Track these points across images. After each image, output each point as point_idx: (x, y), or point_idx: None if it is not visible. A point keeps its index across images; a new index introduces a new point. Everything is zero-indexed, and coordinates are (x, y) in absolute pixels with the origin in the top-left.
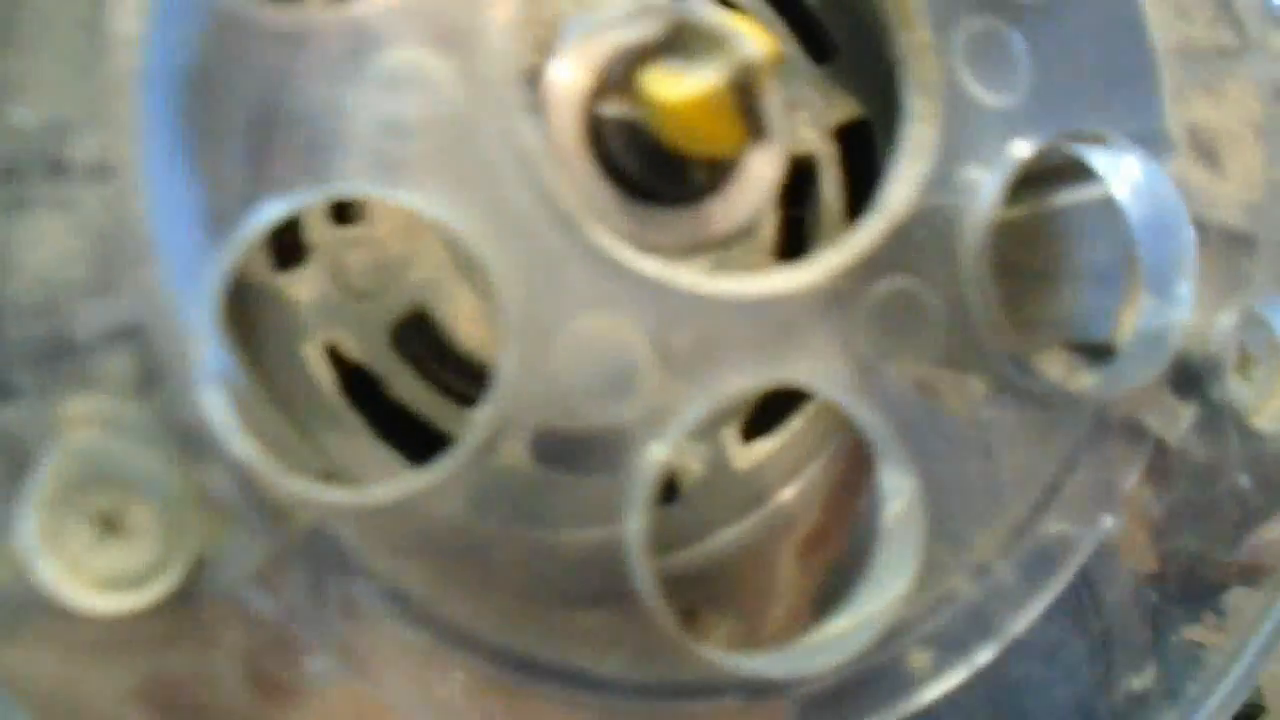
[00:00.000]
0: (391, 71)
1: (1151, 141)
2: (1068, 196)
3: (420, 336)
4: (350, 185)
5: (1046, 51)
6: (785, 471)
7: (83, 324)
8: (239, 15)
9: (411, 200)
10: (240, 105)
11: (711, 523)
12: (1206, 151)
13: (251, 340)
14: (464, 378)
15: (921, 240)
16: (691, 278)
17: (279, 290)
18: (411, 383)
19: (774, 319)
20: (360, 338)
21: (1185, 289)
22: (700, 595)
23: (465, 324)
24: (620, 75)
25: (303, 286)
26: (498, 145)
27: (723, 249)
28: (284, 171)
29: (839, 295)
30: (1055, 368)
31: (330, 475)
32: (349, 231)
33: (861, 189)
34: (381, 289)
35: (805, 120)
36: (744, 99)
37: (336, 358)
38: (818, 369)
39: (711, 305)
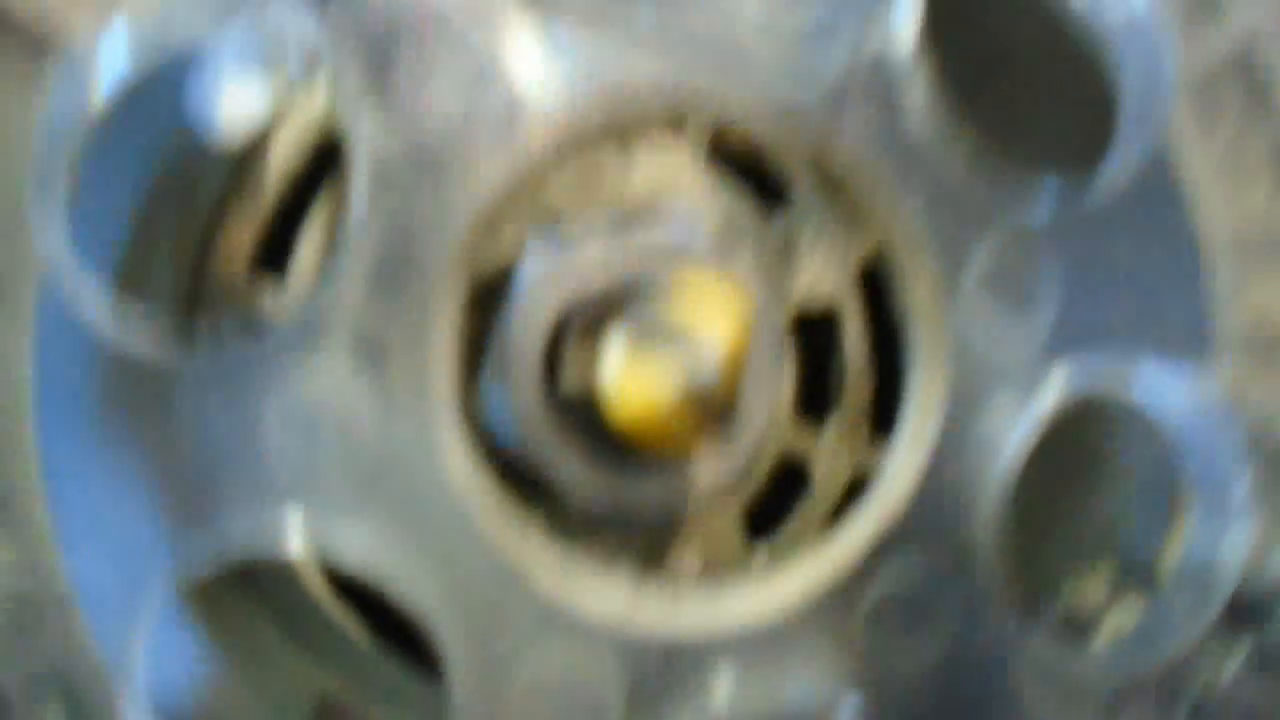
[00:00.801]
0: (308, 401)
1: (1201, 349)
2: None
3: None
4: (262, 540)
5: (1076, 267)
6: None
7: (7, 675)
8: (145, 361)
9: (343, 548)
10: (145, 449)
11: None
12: (1267, 351)
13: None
14: None
15: (925, 522)
16: (655, 612)
17: None
18: None
19: (754, 643)
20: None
21: (1239, 523)
22: None
23: None
24: (580, 336)
25: None
26: (426, 481)
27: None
28: (201, 513)
29: (831, 603)
30: (1094, 595)
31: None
32: None
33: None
34: None
35: (823, 261)
36: (698, 407)
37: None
38: (812, 686)
39: (679, 641)
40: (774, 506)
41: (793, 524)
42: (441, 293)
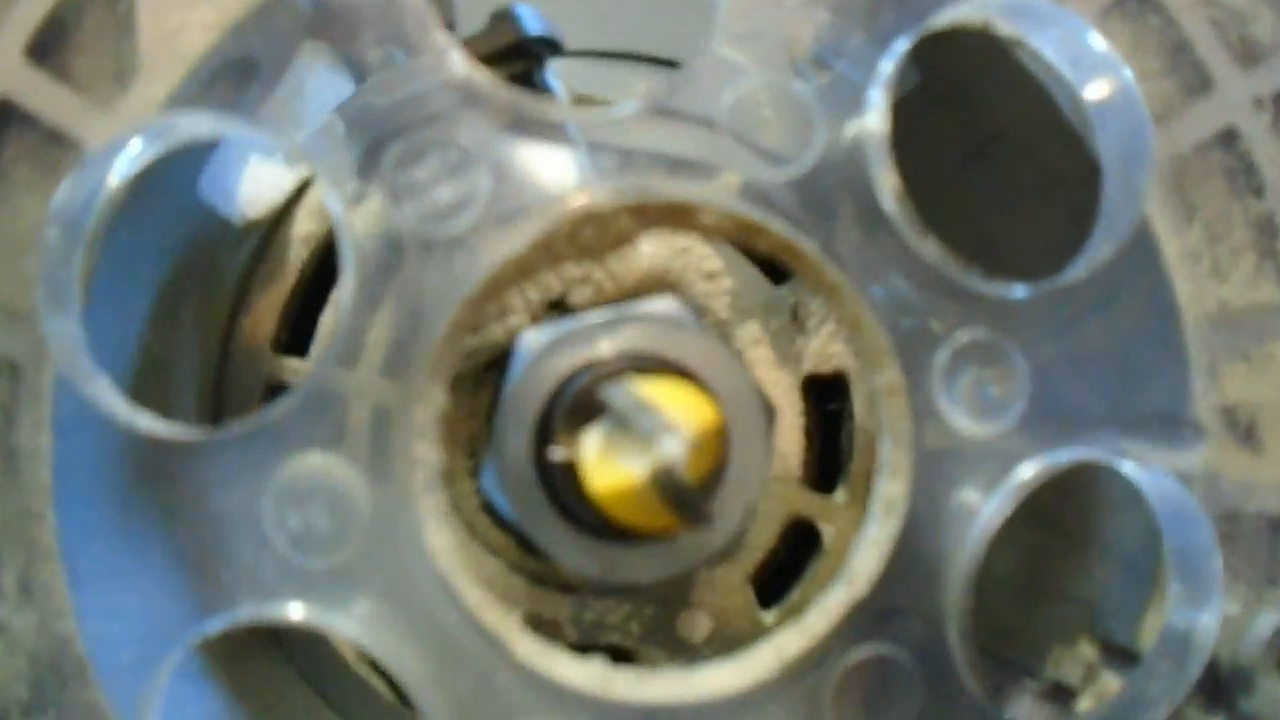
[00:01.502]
0: (296, 481)
1: (1179, 429)
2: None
3: None
4: (269, 615)
5: (1052, 345)
6: None
7: None
8: (141, 432)
9: (340, 625)
10: (157, 523)
11: None
12: (1245, 432)
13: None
14: None
15: (896, 593)
16: (627, 683)
17: None
18: None
19: (727, 711)
20: None
21: (1215, 596)
22: None
23: None
24: (570, 409)
25: None
26: (413, 558)
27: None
28: (213, 584)
29: (800, 678)
30: (1075, 671)
31: None
32: None
33: None
34: None
35: (833, 328)
36: (669, 495)
37: None
38: None
39: (653, 709)
40: (786, 569)
41: (805, 586)
42: (428, 373)
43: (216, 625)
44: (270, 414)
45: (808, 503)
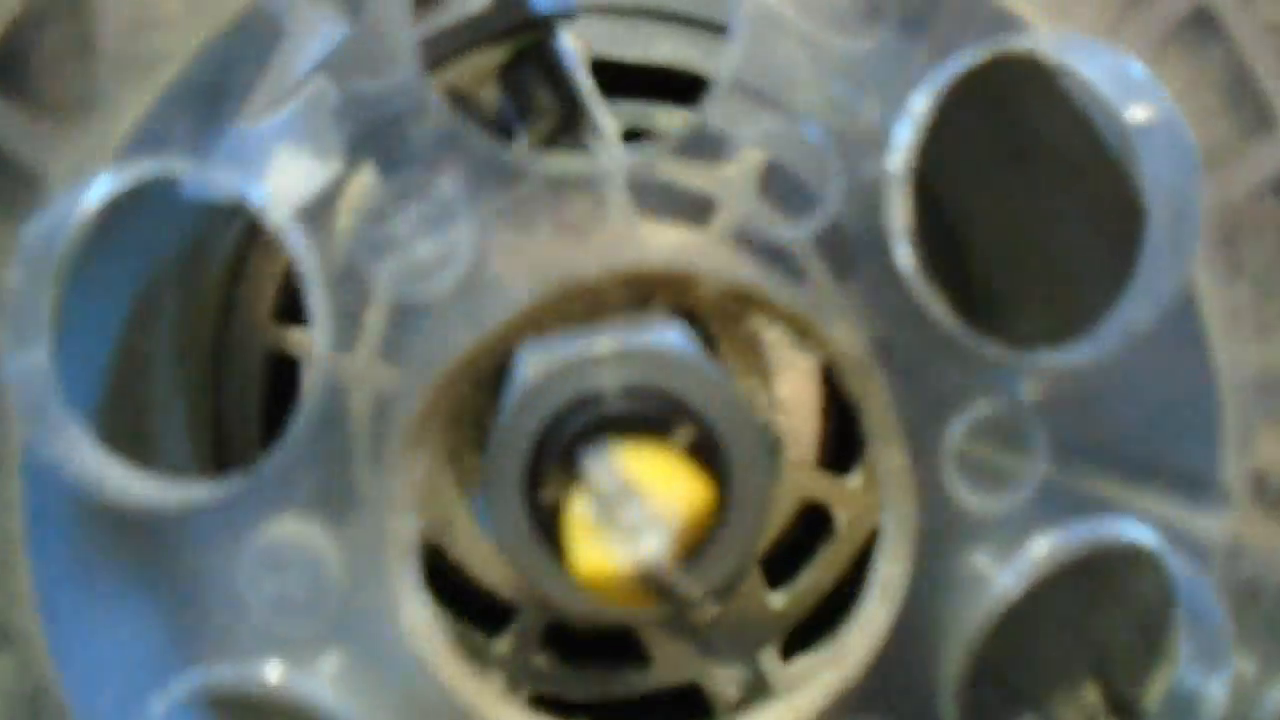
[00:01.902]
0: (273, 548)
1: (1206, 492)
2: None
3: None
4: (244, 684)
5: (1069, 421)
6: None
7: None
8: (112, 499)
9: (314, 690)
10: (132, 575)
11: None
12: (1273, 500)
13: None
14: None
15: (892, 674)
16: None
17: None
18: None
19: None
20: None
21: (1225, 664)
22: None
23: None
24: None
25: None
26: (387, 625)
27: None
28: (190, 644)
29: None
30: (1076, 717)
31: None
32: None
33: None
34: None
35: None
36: (652, 589)
37: None
38: None
39: None
40: (798, 548)
41: (815, 569)
42: (404, 445)
43: (193, 682)
44: (251, 474)
45: (821, 486)
